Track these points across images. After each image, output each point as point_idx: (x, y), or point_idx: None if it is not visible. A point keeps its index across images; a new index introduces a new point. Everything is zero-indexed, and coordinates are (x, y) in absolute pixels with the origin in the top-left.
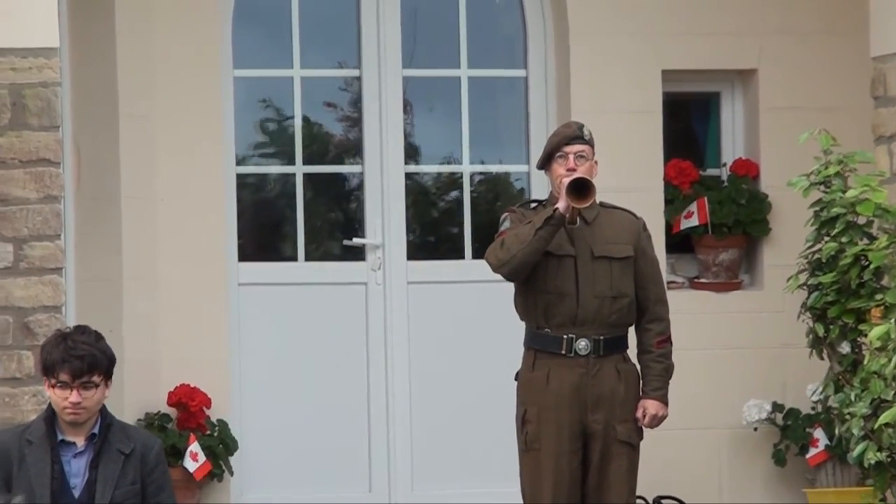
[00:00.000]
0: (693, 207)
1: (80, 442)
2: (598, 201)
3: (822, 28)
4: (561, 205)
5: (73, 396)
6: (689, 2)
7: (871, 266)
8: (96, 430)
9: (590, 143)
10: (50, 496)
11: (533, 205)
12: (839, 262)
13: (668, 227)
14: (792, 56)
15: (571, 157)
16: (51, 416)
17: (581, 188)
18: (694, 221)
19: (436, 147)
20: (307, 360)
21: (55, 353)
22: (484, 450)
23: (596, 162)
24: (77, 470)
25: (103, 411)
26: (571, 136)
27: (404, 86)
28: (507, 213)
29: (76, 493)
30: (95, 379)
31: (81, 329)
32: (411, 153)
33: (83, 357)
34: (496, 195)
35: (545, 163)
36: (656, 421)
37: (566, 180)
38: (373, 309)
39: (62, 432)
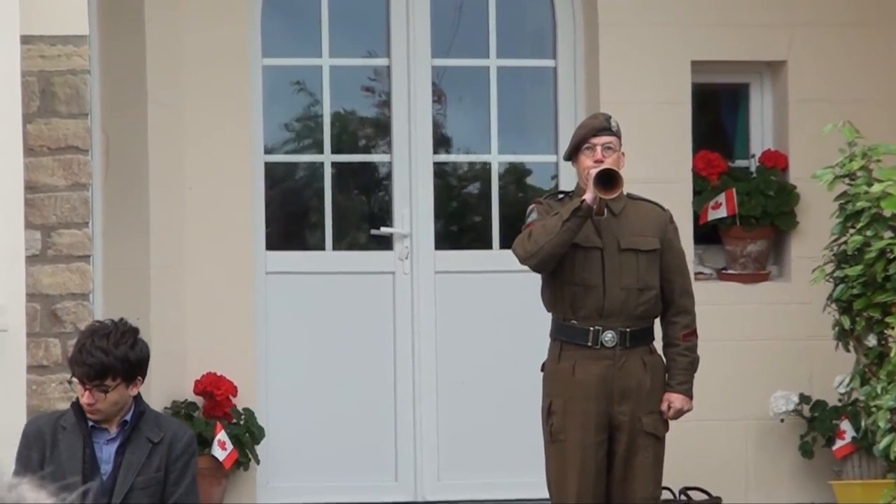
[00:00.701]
0: (721, 198)
1: (113, 428)
2: (625, 193)
3: (852, 20)
4: (588, 196)
5: (87, 397)
6: None
7: None
8: (128, 418)
9: (617, 134)
10: (82, 480)
11: (560, 196)
12: (865, 255)
13: (696, 218)
14: (821, 48)
15: (599, 148)
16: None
17: (608, 179)
18: (722, 212)
19: (464, 137)
20: (334, 349)
21: (73, 353)
22: (510, 440)
23: (623, 153)
24: (108, 456)
25: (137, 399)
26: (599, 127)
27: (439, 75)
28: (534, 205)
29: (105, 478)
30: (109, 383)
31: (107, 329)
32: (440, 143)
33: (92, 365)
34: (524, 185)
35: (572, 154)
36: (681, 415)
37: (593, 171)
38: (400, 298)
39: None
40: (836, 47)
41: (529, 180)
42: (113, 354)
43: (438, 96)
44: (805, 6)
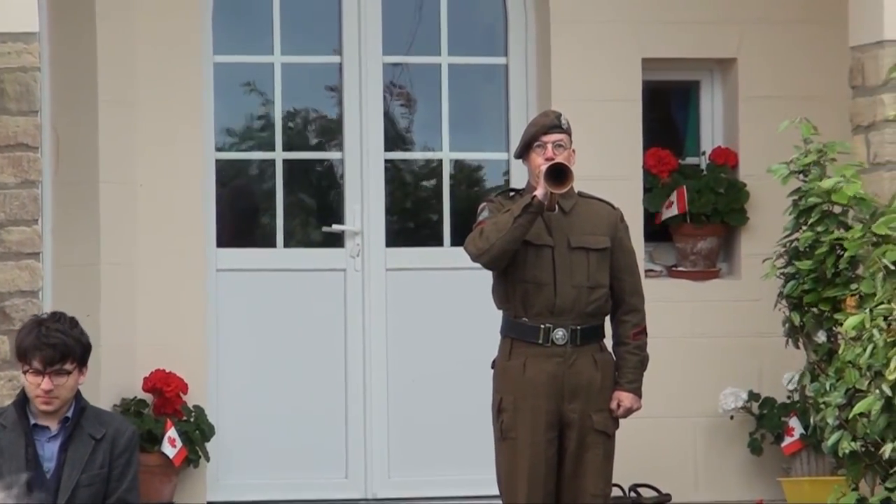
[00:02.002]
0: (673, 197)
1: (54, 426)
2: (576, 191)
3: (801, 17)
4: (539, 192)
5: (45, 383)
6: None
7: (847, 255)
8: (69, 414)
9: (567, 131)
10: (25, 479)
11: (511, 194)
12: (815, 250)
13: (648, 216)
14: (771, 45)
15: (549, 146)
16: (23, 400)
17: (559, 174)
18: (674, 211)
19: (416, 134)
20: (285, 346)
21: (28, 340)
22: (460, 437)
23: (574, 150)
24: (50, 454)
25: (77, 396)
26: (549, 125)
27: (398, 74)
28: (485, 203)
29: (49, 476)
30: (68, 367)
31: (57, 316)
32: (392, 140)
33: (56, 345)
34: (476, 182)
35: (523, 152)
36: (630, 413)
37: (544, 167)
38: (351, 295)
39: (34, 416)
40: (786, 45)
41: (481, 177)
42: (71, 336)
43: (403, 95)
44: (755, 4)
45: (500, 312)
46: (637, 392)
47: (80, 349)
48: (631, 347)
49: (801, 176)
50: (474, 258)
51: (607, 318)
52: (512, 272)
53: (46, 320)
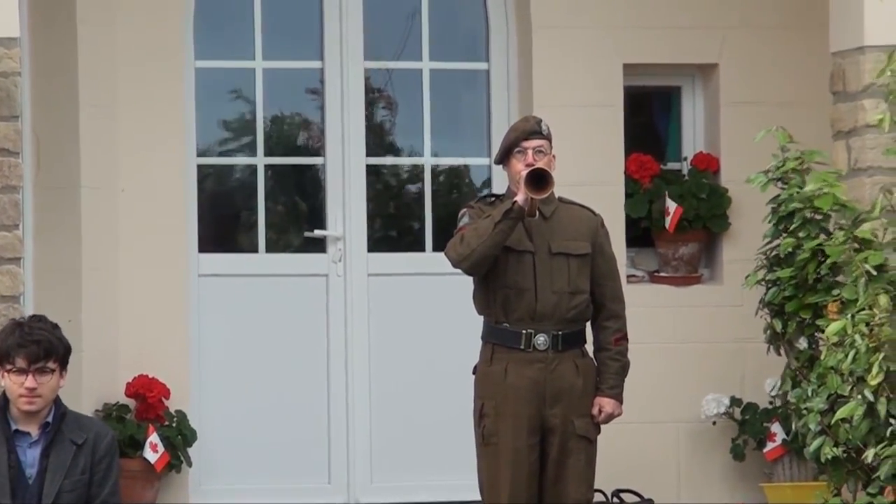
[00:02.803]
0: (671, 207)
1: (35, 431)
2: (556, 196)
3: (782, 23)
4: (520, 197)
5: (29, 381)
6: None
7: (828, 261)
8: (50, 420)
9: (548, 137)
10: (8, 486)
11: (491, 199)
12: (797, 257)
13: (629, 221)
14: (752, 51)
15: (530, 152)
16: (3, 406)
17: (539, 179)
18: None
19: (397, 139)
20: (267, 351)
21: (11, 339)
22: (443, 442)
23: (554, 156)
24: (32, 460)
25: (57, 401)
26: (530, 130)
27: (383, 79)
28: (465, 209)
29: (31, 482)
30: (51, 365)
31: (37, 317)
32: (374, 145)
33: (40, 342)
34: (457, 188)
35: (503, 158)
36: (611, 419)
37: (524, 172)
38: (333, 301)
39: (15, 422)
40: (767, 51)
41: (463, 183)
42: (53, 334)
43: (383, 103)
44: (736, 10)
45: (482, 318)
46: (618, 398)
47: (63, 349)
48: (612, 353)
49: (779, 183)
50: (455, 264)
51: (588, 324)
52: (493, 278)
53: (28, 321)
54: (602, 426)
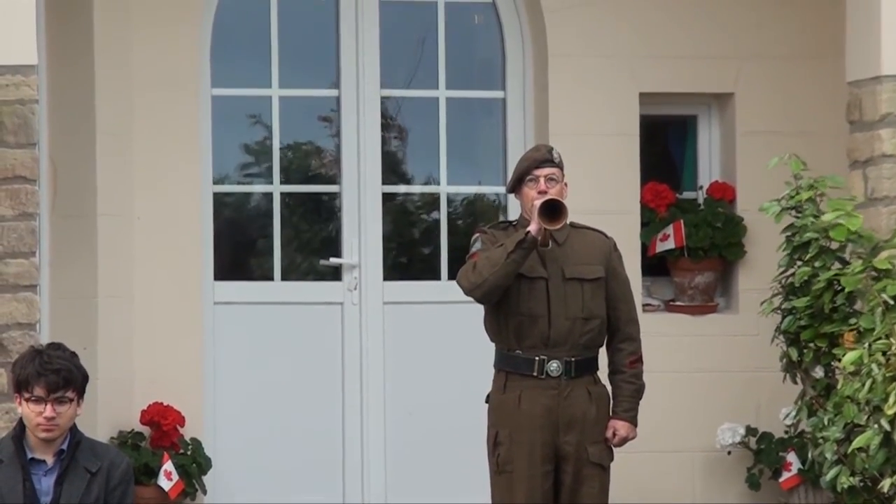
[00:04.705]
0: (669, 230)
1: (50, 459)
2: (568, 222)
3: (798, 53)
4: (533, 227)
5: (48, 411)
6: (666, 25)
7: (845, 291)
8: (65, 447)
9: (560, 165)
10: None
11: (504, 225)
12: (812, 286)
13: (645, 250)
14: (768, 80)
15: (542, 180)
16: (19, 433)
17: (553, 210)
18: (670, 244)
19: (414, 167)
20: (282, 379)
21: (30, 367)
22: (457, 470)
23: (566, 184)
24: (47, 488)
25: (73, 429)
26: (541, 159)
27: (396, 108)
28: (478, 234)
29: None
30: (70, 394)
31: (56, 345)
32: (390, 173)
33: (59, 371)
34: (473, 216)
35: (515, 186)
36: (625, 442)
37: (538, 202)
38: (348, 329)
39: (31, 450)
40: (783, 80)
41: (478, 211)
42: (72, 363)
43: (399, 131)
44: (752, 39)
45: (494, 346)
46: (633, 421)
47: (81, 378)
48: (627, 376)
49: (794, 212)
50: (467, 292)
51: (601, 350)
52: (505, 305)
53: (47, 349)
54: (616, 454)
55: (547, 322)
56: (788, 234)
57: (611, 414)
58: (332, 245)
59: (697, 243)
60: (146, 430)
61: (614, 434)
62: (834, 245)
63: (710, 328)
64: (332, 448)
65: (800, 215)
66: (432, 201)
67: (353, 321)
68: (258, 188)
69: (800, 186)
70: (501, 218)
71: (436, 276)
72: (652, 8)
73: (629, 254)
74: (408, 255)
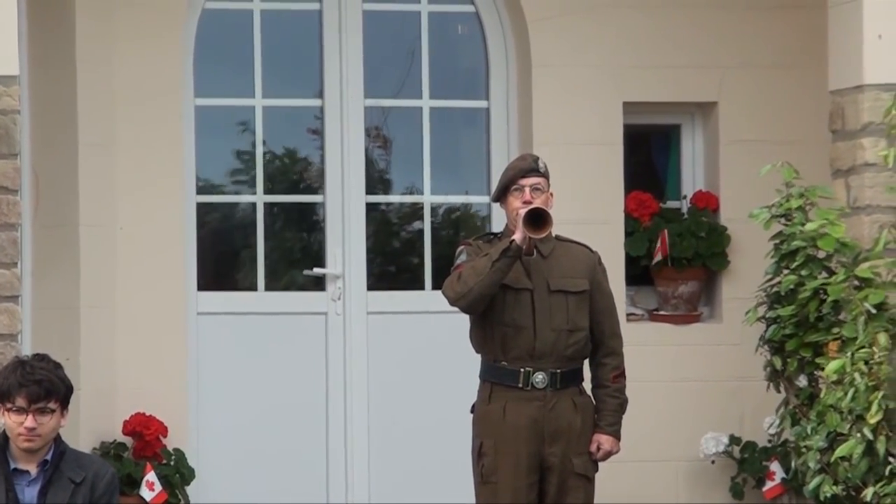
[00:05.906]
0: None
1: (33, 470)
2: (553, 235)
3: (781, 62)
4: (517, 236)
5: (29, 422)
6: (650, 35)
7: (830, 300)
8: (48, 458)
9: (545, 175)
10: None
11: (489, 237)
12: (798, 295)
13: (629, 259)
14: (751, 89)
15: (527, 189)
16: (3, 444)
17: (538, 219)
18: (658, 255)
19: (397, 177)
20: (266, 390)
21: (12, 378)
22: (441, 481)
23: (552, 194)
24: (30, 498)
25: (57, 439)
26: (527, 168)
27: (382, 117)
28: (463, 246)
29: None
30: (52, 405)
31: (40, 356)
32: (374, 183)
33: (41, 382)
34: (457, 226)
35: (500, 196)
36: (609, 456)
37: (523, 211)
38: (332, 339)
39: (14, 460)
40: (766, 89)
41: (462, 221)
42: (55, 374)
43: (383, 142)
44: (735, 49)
45: (479, 357)
46: (616, 435)
47: (64, 389)
48: (611, 390)
49: (783, 220)
50: (452, 302)
51: (586, 362)
52: (490, 316)
53: (31, 360)
54: (600, 464)
55: (532, 333)
56: (777, 241)
57: (594, 428)
58: (316, 255)
59: (681, 253)
60: (129, 441)
61: (598, 448)
62: (821, 254)
63: (693, 338)
64: (316, 458)
65: (789, 223)
66: (416, 211)
67: (336, 331)
68: (242, 198)
69: (790, 194)
70: (486, 228)
71: (420, 286)
72: (635, 17)
73: (613, 263)
74: (392, 265)
